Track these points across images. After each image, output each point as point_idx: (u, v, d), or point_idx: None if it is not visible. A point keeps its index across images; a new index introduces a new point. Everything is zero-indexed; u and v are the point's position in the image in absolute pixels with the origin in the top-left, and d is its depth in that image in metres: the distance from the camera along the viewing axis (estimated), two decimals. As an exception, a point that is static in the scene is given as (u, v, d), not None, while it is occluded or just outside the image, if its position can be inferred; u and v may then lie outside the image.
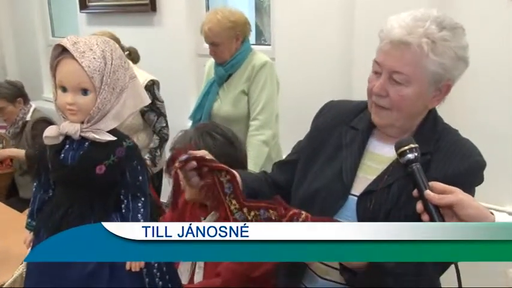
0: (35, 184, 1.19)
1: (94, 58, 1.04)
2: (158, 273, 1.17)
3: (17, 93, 3.20)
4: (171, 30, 3.77)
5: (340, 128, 1.40)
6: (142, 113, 2.87)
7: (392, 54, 1.23)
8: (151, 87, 2.90)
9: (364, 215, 1.27)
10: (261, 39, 3.84)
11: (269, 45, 3.43)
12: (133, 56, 3.05)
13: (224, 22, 2.60)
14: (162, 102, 2.97)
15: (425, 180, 1.10)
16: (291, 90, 2.93)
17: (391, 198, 1.25)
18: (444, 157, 1.24)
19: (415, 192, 1.10)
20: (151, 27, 3.88)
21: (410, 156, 1.12)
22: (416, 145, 1.13)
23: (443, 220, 1.06)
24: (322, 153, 1.40)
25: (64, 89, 1.07)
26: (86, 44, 1.05)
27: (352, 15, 2.67)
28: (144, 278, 1.14)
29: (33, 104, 3.31)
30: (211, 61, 2.81)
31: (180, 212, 1.82)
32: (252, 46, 2.79)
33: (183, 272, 1.80)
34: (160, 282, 1.17)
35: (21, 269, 1.23)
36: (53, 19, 5.33)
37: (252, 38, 2.90)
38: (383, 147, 1.34)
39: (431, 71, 1.23)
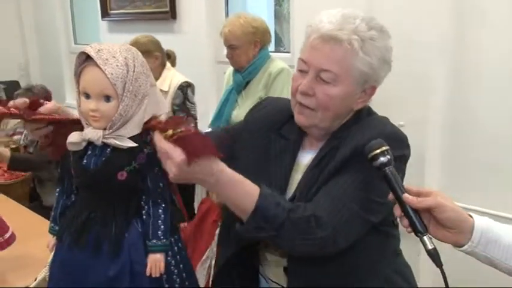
0: (58, 189, 1.20)
1: (117, 65, 1.05)
2: (178, 279, 1.17)
3: (46, 98, 3.26)
4: (191, 37, 3.81)
5: (269, 133, 1.32)
6: (174, 112, 2.95)
7: (321, 50, 1.18)
8: (185, 88, 2.98)
9: None
10: (280, 46, 3.85)
11: (288, 52, 3.43)
12: (172, 59, 3.13)
13: (246, 26, 2.62)
14: (194, 104, 3.02)
15: (401, 183, 1.05)
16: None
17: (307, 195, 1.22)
18: (353, 135, 1.19)
19: (390, 196, 1.05)
20: (171, 35, 3.92)
21: (383, 159, 1.06)
22: (388, 147, 1.07)
23: (423, 224, 1.02)
24: (249, 156, 1.32)
25: (87, 96, 1.08)
26: (109, 52, 1.06)
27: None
28: (164, 284, 1.15)
29: None
30: (231, 69, 2.83)
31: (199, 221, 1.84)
32: (272, 53, 2.81)
33: (199, 277, 1.81)
34: None
35: (44, 272, 1.25)
36: (75, 27, 5.42)
37: (271, 45, 2.92)
38: (310, 155, 1.28)
39: (359, 70, 1.18)
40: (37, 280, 1.23)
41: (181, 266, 1.18)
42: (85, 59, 1.08)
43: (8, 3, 5.52)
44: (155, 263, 1.11)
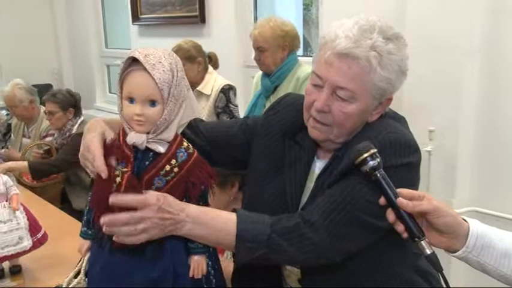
0: (90, 193, 1.18)
1: (163, 71, 1.06)
2: (214, 280, 1.18)
3: (71, 104, 3.31)
4: (219, 41, 3.84)
5: (284, 139, 1.29)
6: (217, 114, 2.99)
7: (337, 67, 1.13)
8: (228, 91, 3.01)
9: None
10: (308, 50, 3.84)
11: (316, 56, 3.42)
12: (214, 61, 3.15)
13: (275, 29, 2.63)
14: (236, 106, 3.05)
15: (393, 186, 1.01)
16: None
17: None
18: (357, 143, 1.12)
19: (382, 200, 1.02)
20: (200, 39, 3.94)
21: (372, 163, 1.02)
22: (375, 150, 1.04)
23: (420, 229, 0.99)
24: (264, 161, 1.30)
25: (131, 100, 1.08)
26: (155, 57, 1.06)
27: (403, 27, 2.64)
28: (203, 284, 1.16)
29: (82, 117, 3.40)
30: (259, 73, 2.84)
31: None
32: (300, 58, 2.81)
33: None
34: None
35: (78, 278, 1.23)
36: (106, 31, 5.52)
37: (299, 49, 2.92)
38: (322, 164, 1.25)
39: (377, 86, 1.14)
40: (75, 281, 1.22)
41: (216, 266, 1.20)
42: (130, 64, 1.08)
43: (43, 10, 5.67)
44: (198, 264, 1.12)
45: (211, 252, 1.18)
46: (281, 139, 1.30)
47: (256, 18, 3.77)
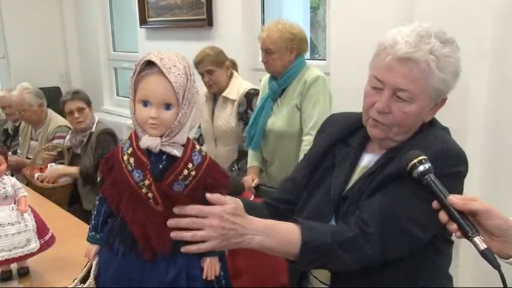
0: (98, 197, 1.17)
1: (179, 74, 1.06)
2: (223, 281, 1.18)
3: (89, 100, 3.34)
4: (227, 44, 3.82)
5: (336, 147, 1.39)
6: (238, 119, 3.00)
7: (398, 70, 1.21)
8: (252, 96, 2.98)
9: (337, 219, 1.29)
10: (314, 53, 3.84)
11: (324, 59, 3.42)
12: (235, 66, 3.16)
13: (283, 32, 2.64)
14: None
15: (444, 189, 1.07)
16: (345, 105, 2.90)
17: (357, 202, 1.26)
18: (409, 149, 1.19)
19: (435, 203, 1.07)
20: (207, 42, 3.95)
21: (421, 168, 1.10)
22: (425, 156, 1.11)
23: (473, 225, 1.02)
24: (316, 175, 1.39)
25: (145, 104, 1.08)
26: (170, 60, 1.06)
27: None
28: (214, 285, 1.16)
29: (97, 117, 3.42)
30: (266, 77, 2.84)
31: None
32: (307, 61, 2.80)
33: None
34: None
35: (87, 282, 1.22)
36: (114, 34, 5.54)
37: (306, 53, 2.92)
38: (370, 156, 1.33)
39: (435, 88, 1.23)
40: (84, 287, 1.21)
41: (225, 267, 1.19)
42: (145, 67, 1.08)
43: (51, 13, 5.70)
44: (211, 266, 1.13)
45: (221, 254, 1.18)
46: (333, 149, 1.39)
47: (263, 22, 3.78)
